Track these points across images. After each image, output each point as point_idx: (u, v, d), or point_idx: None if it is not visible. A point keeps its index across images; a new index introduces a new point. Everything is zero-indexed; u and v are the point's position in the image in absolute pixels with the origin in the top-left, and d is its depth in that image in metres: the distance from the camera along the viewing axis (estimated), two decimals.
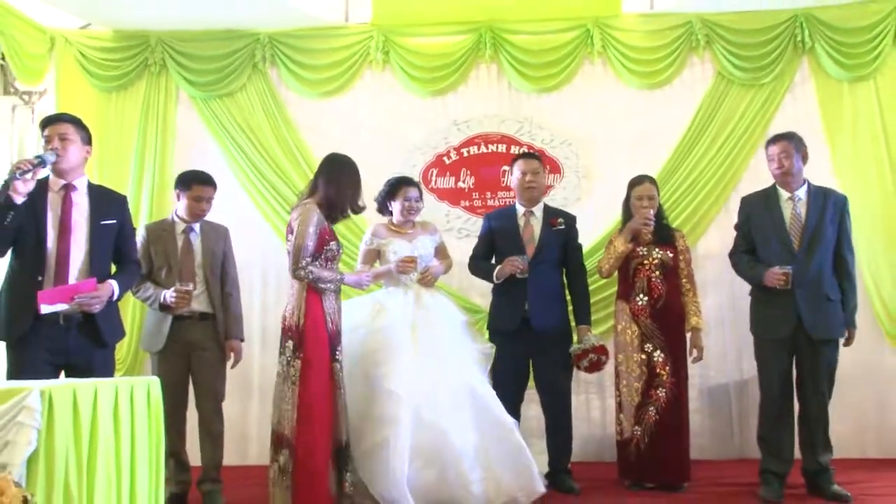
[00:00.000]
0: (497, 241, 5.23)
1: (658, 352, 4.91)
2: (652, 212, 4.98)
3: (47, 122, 4.00)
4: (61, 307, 3.75)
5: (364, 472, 4.36)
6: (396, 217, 5.05)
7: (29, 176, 3.63)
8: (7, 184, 3.61)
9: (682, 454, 4.90)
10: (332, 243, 4.36)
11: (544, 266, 5.07)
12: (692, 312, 5.04)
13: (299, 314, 4.26)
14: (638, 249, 5.03)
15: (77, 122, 4.03)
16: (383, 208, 5.11)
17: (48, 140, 3.90)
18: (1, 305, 3.86)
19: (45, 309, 3.70)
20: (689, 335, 5.06)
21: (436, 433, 4.32)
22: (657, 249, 5.01)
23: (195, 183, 4.83)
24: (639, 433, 4.88)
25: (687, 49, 6.23)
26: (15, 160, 6.15)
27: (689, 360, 5.05)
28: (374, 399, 4.44)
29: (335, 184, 4.38)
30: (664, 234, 5.09)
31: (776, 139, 4.83)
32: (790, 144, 4.76)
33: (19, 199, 3.65)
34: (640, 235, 5.03)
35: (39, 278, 3.79)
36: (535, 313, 4.98)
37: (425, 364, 4.53)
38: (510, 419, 4.52)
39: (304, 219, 4.25)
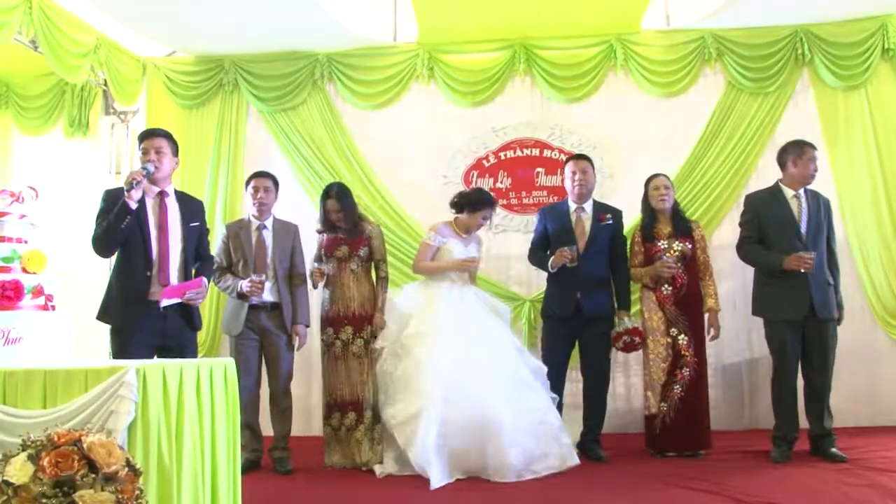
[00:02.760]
0: (551, 235, 5.21)
1: (682, 335, 4.95)
2: (671, 261, 4.98)
3: (145, 136, 4.12)
4: (176, 301, 3.96)
5: (402, 437, 4.55)
6: (465, 222, 5.16)
7: (141, 185, 3.83)
8: (125, 193, 3.80)
9: (703, 426, 4.95)
10: (321, 250, 5.04)
11: (595, 257, 5.09)
12: (708, 295, 5.06)
13: None
14: (659, 243, 5.05)
15: (169, 136, 4.15)
16: (458, 208, 5.17)
17: (145, 152, 4.02)
18: (112, 297, 4.01)
19: (165, 302, 3.92)
20: (706, 316, 5.08)
21: (476, 410, 4.43)
22: (677, 242, 5.03)
23: (253, 178, 5.08)
24: (665, 409, 4.93)
25: (700, 61, 6.26)
26: (113, 169, 6.48)
27: (707, 338, 5.08)
28: (415, 374, 4.66)
29: None
30: (682, 227, 5.11)
31: (812, 146, 4.91)
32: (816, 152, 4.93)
33: (134, 205, 3.84)
34: (662, 279, 5.03)
35: (148, 274, 3.94)
36: (585, 300, 5.02)
37: (467, 349, 4.67)
38: (546, 400, 4.62)
39: None
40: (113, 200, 3.93)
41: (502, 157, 6.46)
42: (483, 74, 6.44)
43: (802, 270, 4.63)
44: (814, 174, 4.86)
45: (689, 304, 5.01)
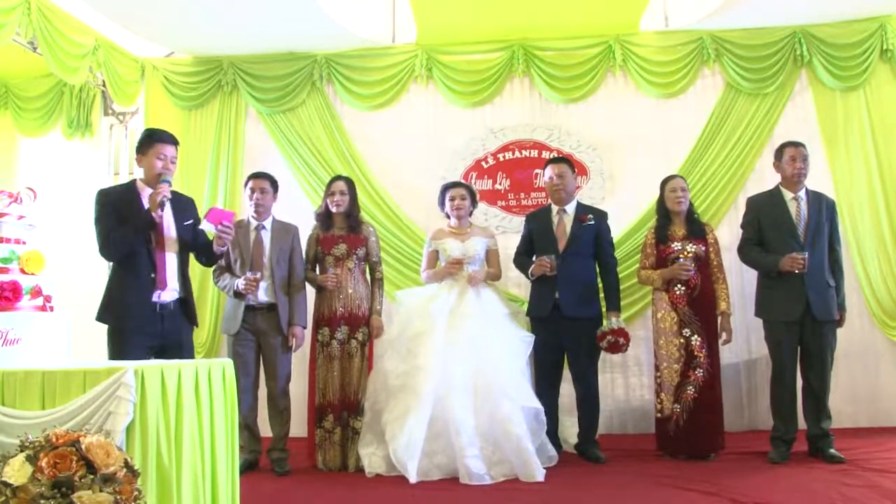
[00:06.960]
0: (534, 238, 5.26)
1: (695, 336, 4.93)
2: (689, 264, 4.97)
3: (165, 140, 4.08)
4: (210, 227, 4.05)
5: (389, 433, 4.57)
6: (451, 218, 5.21)
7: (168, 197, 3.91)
8: (154, 211, 3.88)
9: (716, 427, 4.94)
10: (317, 248, 5.07)
11: (575, 258, 5.08)
12: (721, 298, 5.06)
13: None
14: (673, 245, 5.05)
15: (178, 143, 4.18)
16: (440, 206, 5.31)
17: (162, 159, 4.01)
18: (114, 299, 3.97)
19: (205, 225, 4.04)
20: (718, 319, 5.07)
21: (445, 406, 4.48)
22: (691, 244, 5.02)
23: (250, 178, 5.11)
24: (678, 410, 4.91)
25: (699, 62, 6.26)
26: (112, 170, 6.50)
27: (720, 342, 5.07)
28: (410, 373, 4.68)
29: None
30: (696, 229, 5.11)
31: (796, 144, 4.94)
32: (805, 151, 4.91)
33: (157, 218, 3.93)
34: (675, 280, 5.01)
35: (152, 276, 3.95)
36: (564, 301, 5.01)
37: (452, 348, 4.68)
38: (511, 411, 4.51)
39: None
40: (110, 205, 3.96)
41: (501, 159, 6.46)
42: (482, 75, 6.44)
43: (797, 271, 4.64)
44: (799, 172, 4.85)
45: (703, 305, 5.00)
